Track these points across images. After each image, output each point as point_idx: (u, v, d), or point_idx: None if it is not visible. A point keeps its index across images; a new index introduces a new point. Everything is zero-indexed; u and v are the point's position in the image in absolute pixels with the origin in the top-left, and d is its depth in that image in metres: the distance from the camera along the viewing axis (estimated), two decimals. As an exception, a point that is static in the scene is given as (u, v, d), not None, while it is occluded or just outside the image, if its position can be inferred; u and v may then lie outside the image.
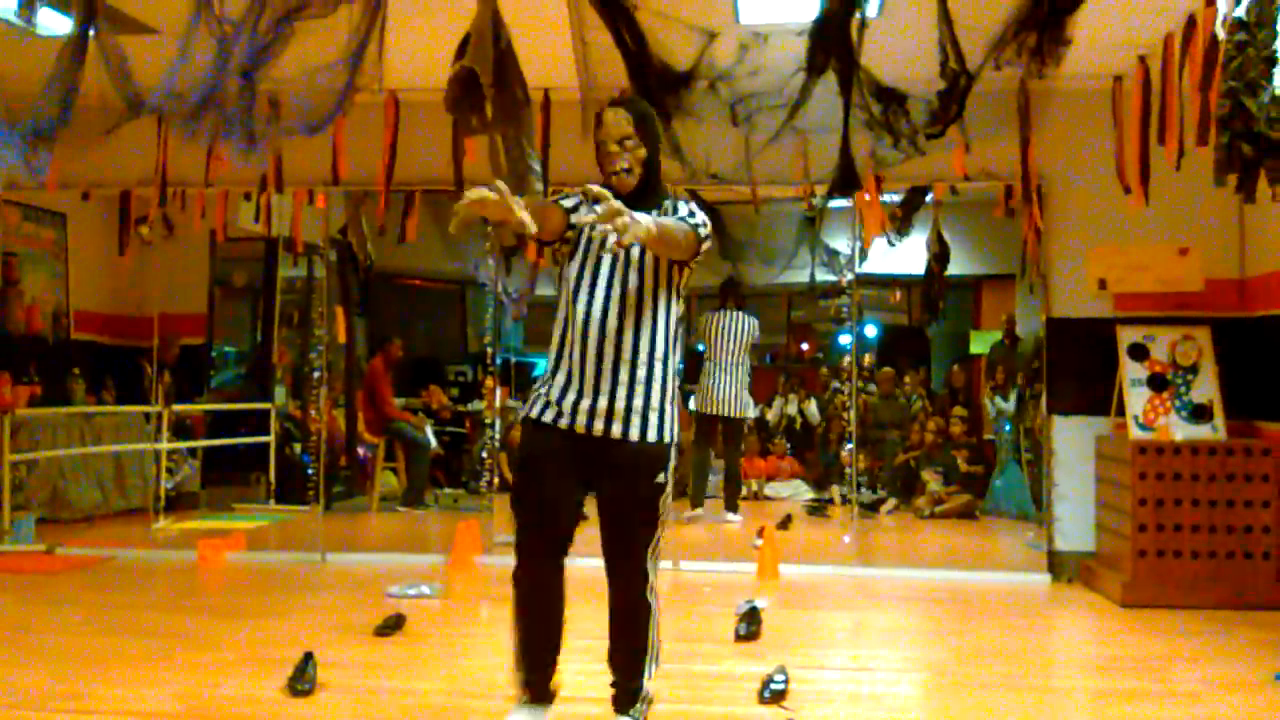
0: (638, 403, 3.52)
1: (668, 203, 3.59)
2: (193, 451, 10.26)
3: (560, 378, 3.57)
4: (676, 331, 3.61)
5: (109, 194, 8.64)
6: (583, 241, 3.58)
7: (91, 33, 4.46)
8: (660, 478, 3.59)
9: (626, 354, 3.49)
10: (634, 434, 3.54)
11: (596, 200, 3.12)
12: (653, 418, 3.55)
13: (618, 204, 3.02)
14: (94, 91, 4.66)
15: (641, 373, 3.51)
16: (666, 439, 3.59)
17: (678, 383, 3.63)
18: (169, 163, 7.42)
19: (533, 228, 3.04)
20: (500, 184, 3.02)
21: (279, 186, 7.59)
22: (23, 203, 9.40)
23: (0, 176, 4.59)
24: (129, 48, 4.64)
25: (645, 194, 3.52)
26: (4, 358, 8.69)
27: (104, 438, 9.45)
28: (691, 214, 3.54)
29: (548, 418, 3.58)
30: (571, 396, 3.54)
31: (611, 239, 3.01)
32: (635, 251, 3.46)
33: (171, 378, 10.03)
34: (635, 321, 3.49)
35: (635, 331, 3.49)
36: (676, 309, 3.61)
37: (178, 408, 9.93)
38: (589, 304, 3.51)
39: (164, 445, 9.53)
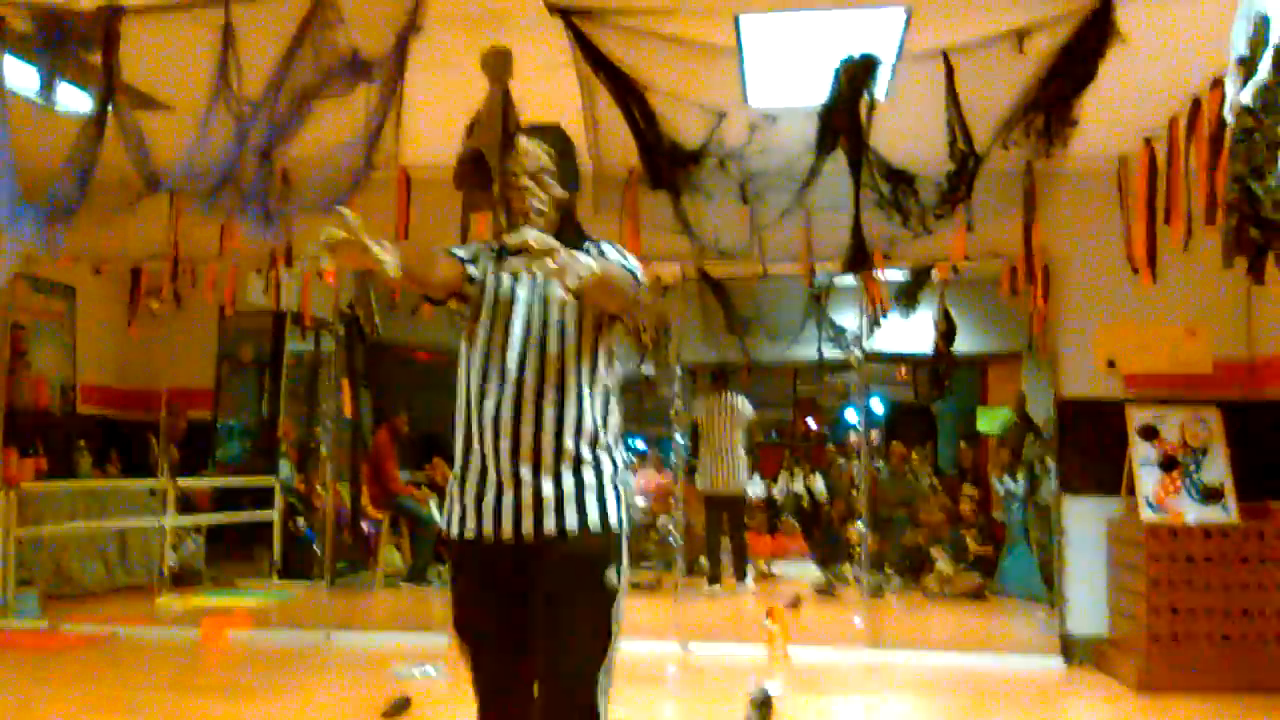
0: (568, 487, 2.80)
1: (590, 247, 2.95)
2: (197, 527, 10.20)
3: (473, 474, 2.84)
4: (611, 400, 2.91)
5: (119, 268, 8.68)
6: (486, 300, 2.91)
7: (110, 110, 4.51)
8: (610, 577, 2.82)
9: (549, 430, 2.79)
10: (570, 524, 2.79)
11: (518, 251, 2.62)
12: (590, 502, 2.82)
13: (551, 240, 2.53)
14: (111, 168, 4.71)
15: (570, 449, 2.80)
16: (613, 527, 2.85)
17: (624, 460, 2.96)
18: (181, 237, 7.48)
19: (395, 270, 2.45)
20: (348, 214, 2.42)
21: (289, 261, 7.64)
22: (32, 275, 9.45)
23: (18, 252, 4.60)
24: (147, 125, 4.70)
25: (560, 236, 2.78)
26: (10, 431, 8.67)
27: (109, 512, 9.40)
28: (623, 256, 2.96)
29: (468, 530, 2.85)
30: (490, 495, 2.81)
31: (557, 290, 2.59)
32: (554, 310, 2.84)
33: (178, 452, 10.01)
34: (558, 392, 2.80)
35: (559, 405, 2.80)
36: (610, 373, 2.93)
37: (183, 482, 9.89)
38: (500, 376, 2.81)
39: (169, 520, 9.48)
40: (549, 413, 2.79)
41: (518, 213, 2.90)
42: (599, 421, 2.87)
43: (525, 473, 2.77)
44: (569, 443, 2.80)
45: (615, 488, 2.87)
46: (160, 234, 7.49)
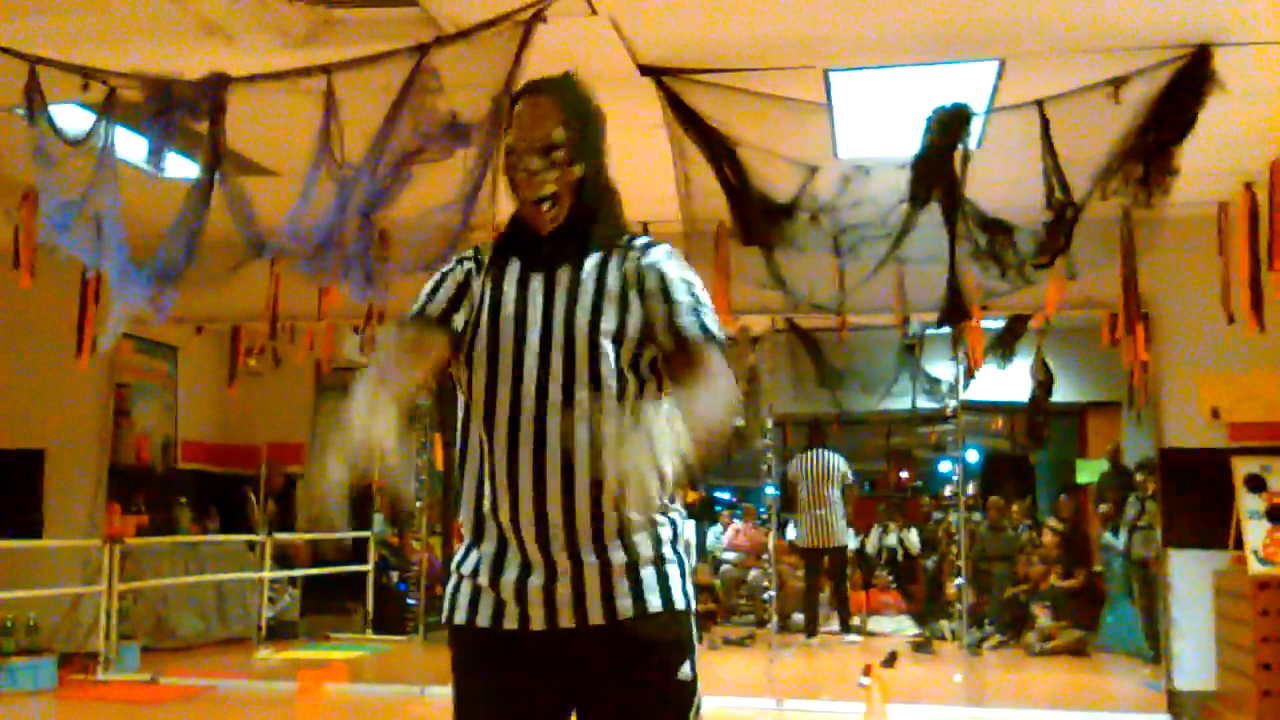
0: (618, 557, 2.06)
1: (629, 249, 2.19)
2: (293, 580, 10.33)
3: (488, 547, 2.12)
4: (666, 438, 1.87)
5: (220, 328, 8.89)
6: (482, 335, 2.14)
7: (216, 177, 4.65)
8: (684, 671, 2.10)
9: (584, 489, 2.03)
10: (626, 608, 2.06)
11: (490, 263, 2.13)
12: (650, 576, 2.08)
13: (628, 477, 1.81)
14: (217, 231, 4.85)
15: (618, 513, 2.05)
16: (680, 604, 2.12)
17: (683, 520, 2.22)
18: (279, 297, 7.64)
19: (412, 502, 2.03)
20: (381, 438, 1.93)
21: (382, 319, 7.76)
22: (136, 335, 9.71)
23: (126, 314, 4.74)
24: (252, 190, 4.83)
25: (579, 236, 2.17)
26: (113, 487, 8.89)
27: (207, 566, 9.58)
28: (692, 292, 2.14)
29: (482, 617, 2.13)
30: (512, 573, 2.09)
31: (583, 308, 2.06)
32: (581, 324, 2.07)
33: (275, 506, 10.18)
34: (591, 439, 2.02)
35: (592, 452, 2.01)
36: (659, 407, 1.97)
37: (279, 536, 10.04)
38: (513, 425, 2.07)
39: (266, 574, 9.62)
40: (583, 464, 2.04)
41: (524, 202, 2.16)
42: (655, 467, 1.92)
43: (559, 544, 2.05)
44: (614, 499, 2.03)
45: (677, 556, 2.16)
46: (260, 295, 7.66)
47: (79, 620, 8.15)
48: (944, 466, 12.50)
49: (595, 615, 2.05)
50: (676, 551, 2.16)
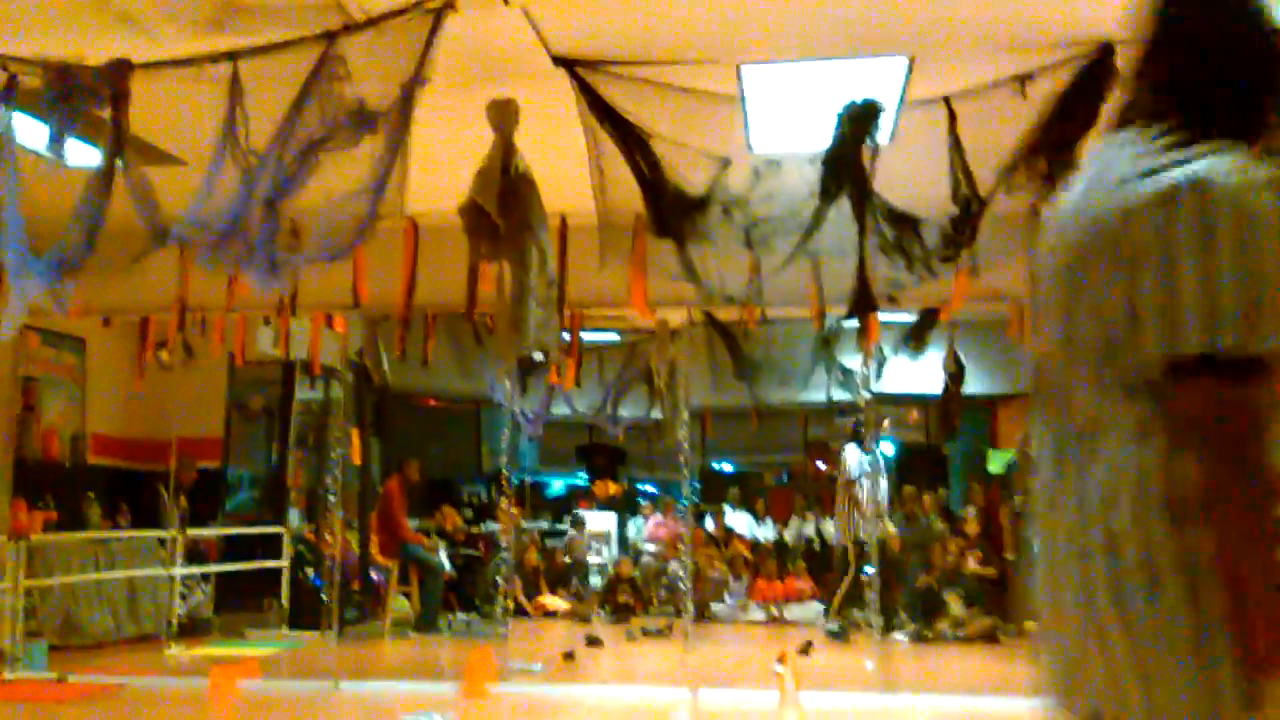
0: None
1: None
2: (206, 576, 10.18)
3: None
4: None
5: (128, 320, 8.73)
6: None
7: (119, 164, 4.56)
8: None
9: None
10: None
11: None
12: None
13: None
14: (119, 221, 4.75)
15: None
16: None
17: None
18: (189, 288, 7.52)
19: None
20: None
21: (294, 310, 7.67)
22: (42, 328, 9.50)
23: (26, 305, 4.63)
24: (155, 179, 4.74)
25: None
26: (20, 483, 8.69)
27: (118, 563, 9.39)
28: None
29: None
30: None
31: None
32: None
33: (187, 501, 10.02)
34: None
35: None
36: None
37: (192, 532, 9.89)
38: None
39: (178, 570, 9.46)
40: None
41: None
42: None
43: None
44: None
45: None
46: (169, 286, 7.53)
47: (-17, 619, 7.96)
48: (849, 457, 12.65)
49: None
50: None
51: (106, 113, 4.60)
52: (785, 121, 5.84)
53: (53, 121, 4.64)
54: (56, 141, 4.60)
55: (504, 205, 4.86)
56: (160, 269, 7.03)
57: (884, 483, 10.60)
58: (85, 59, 4.57)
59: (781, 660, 7.78)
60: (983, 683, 8.43)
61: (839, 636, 10.13)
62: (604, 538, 13.33)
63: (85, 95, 4.55)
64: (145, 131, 5.27)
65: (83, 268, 4.50)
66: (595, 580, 12.65)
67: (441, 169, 5.59)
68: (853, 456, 10.60)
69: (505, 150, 4.92)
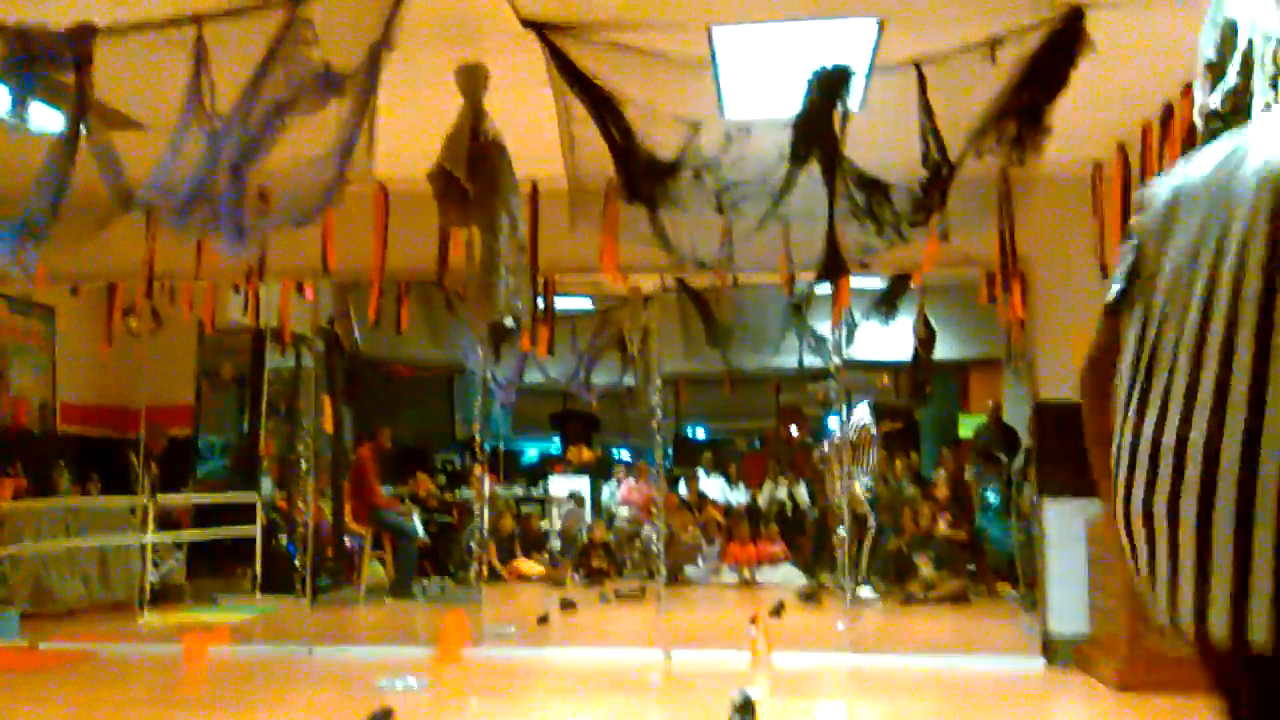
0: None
1: None
2: (178, 544, 10.16)
3: None
4: None
5: (97, 287, 8.66)
6: None
7: (83, 129, 4.50)
8: None
9: None
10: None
11: None
12: None
13: None
14: (84, 187, 4.70)
15: None
16: None
17: None
18: (157, 255, 7.46)
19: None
20: None
21: (262, 277, 7.62)
22: (10, 295, 9.42)
23: (-11, 272, 4.59)
24: (120, 144, 4.69)
25: None
26: (-11, 451, 8.66)
27: (89, 530, 9.36)
28: None
29: None
30: None
31: None
32: None
33: (158, 469, 9.98)
34: None
35: None
36: None
37: (164, 499, 9.86)
38: None
39: (149, 538, 9.44)
40: None
41: None
42: None
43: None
44: None
45: None
46: (137, 253, 7.46)
47: (-47, 587, 7.93)
48: (832, 422, 12.72)
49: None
50: None
51: (70, 77, 4.54)
52: (757, 86, 5.82)
53: (15, 86, 4.57)
54: (18, 106, 4.53)
55: (473, 171, 4.84)
56: (127, 236, 6.97)
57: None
58: (48, 23, 4.50)
59: (754, 622, 7.84)
60: (950, 642, 8.55)
61: (811, 599, 10.21)
62: (579, 503, 13.37)
63: (48, 59, 4.48)
64: (109, 96, 5.21)
65: (47, 234, 4.45)
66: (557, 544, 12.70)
67: (411, 134, 5.56)
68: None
69: (474, 115, 4.89)
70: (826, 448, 11.16)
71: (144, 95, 5.44)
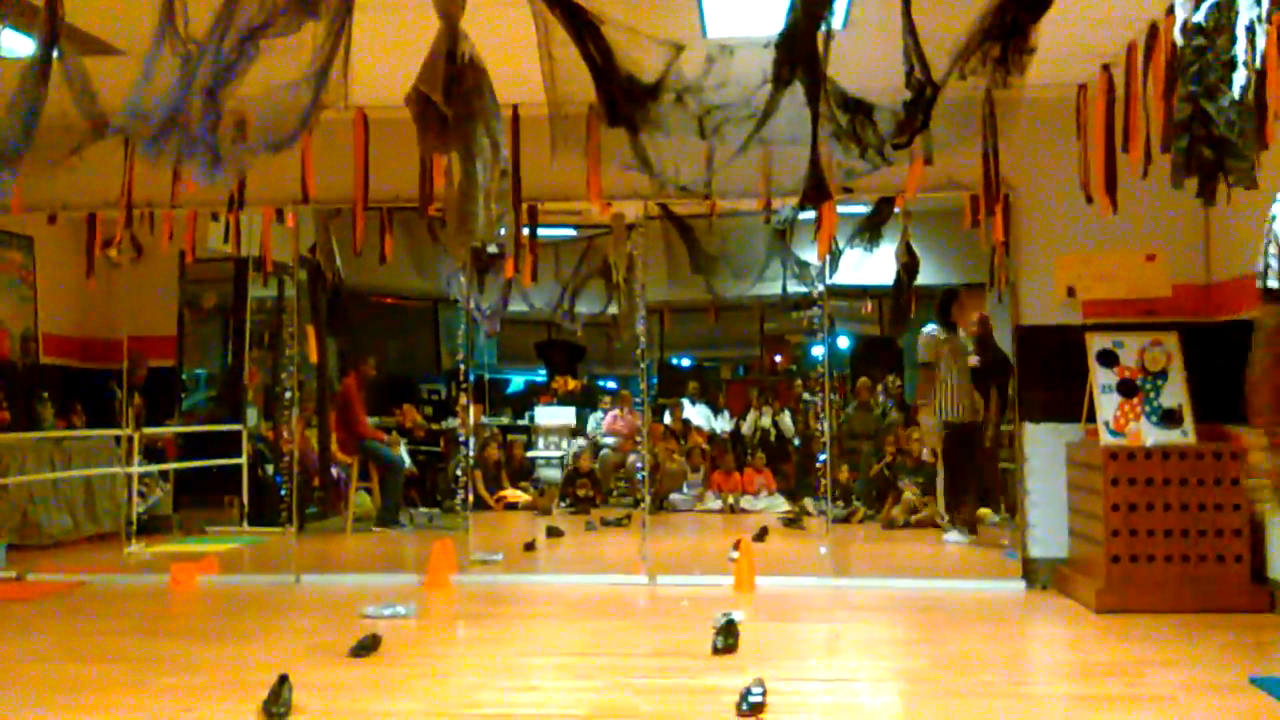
0: None
1: None
2: (164, 475, 10.18)
3: None
4: None
5: (76, 217, 8.58)
6: None
7: (55, 54, 4.43)
8: None
9: None
10: None
11: None
12: None
13: None
14: (58, 113, 4.63)
15: None
16: None
17: None
18: (136, 184, 7.37)
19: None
20: None
21: (241, 205, 7.55)
22: (-13, 226, 9.34)
23: (-38, 200, 4.53)
24: (93, 68, 4.62)
25: None
26: (-29, 384, 8.62)
27: (74, 462, 9.37)
28: None
29: None
30: None
31: None
32: None
33: (142, 400, 9.96)
34: None
35: None
36: None
37: (148, 431, 9.85)
38: None
39: (135, 469, 9.45)
40: None
41: None
42: None
43: None
44: None
45: None
46: (115, 181, 7.38)
47: (-61, 520, 7.94)
48: (816, 350, 12.74)
49: None
50: None
51: (40, 0, 4.46)
52: (741, 5, 5.75)
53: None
54: (-12, 30, 4.46)
55: (450, 93, 4.77)
56: (104, 163, 6.89)
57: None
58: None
59: (737, 547, 7.92)
60: (931, 566, 8.64)
61: (794, 524, 10.29)
62: (564, 432, 13.39)
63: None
64: (82, 20, 5.12)
65: (21, 160, 4.38)
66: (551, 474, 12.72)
67: (390, 58, 5.48)
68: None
69: (451, 37, 4.81)
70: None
71: (117, 20, 5.35)
